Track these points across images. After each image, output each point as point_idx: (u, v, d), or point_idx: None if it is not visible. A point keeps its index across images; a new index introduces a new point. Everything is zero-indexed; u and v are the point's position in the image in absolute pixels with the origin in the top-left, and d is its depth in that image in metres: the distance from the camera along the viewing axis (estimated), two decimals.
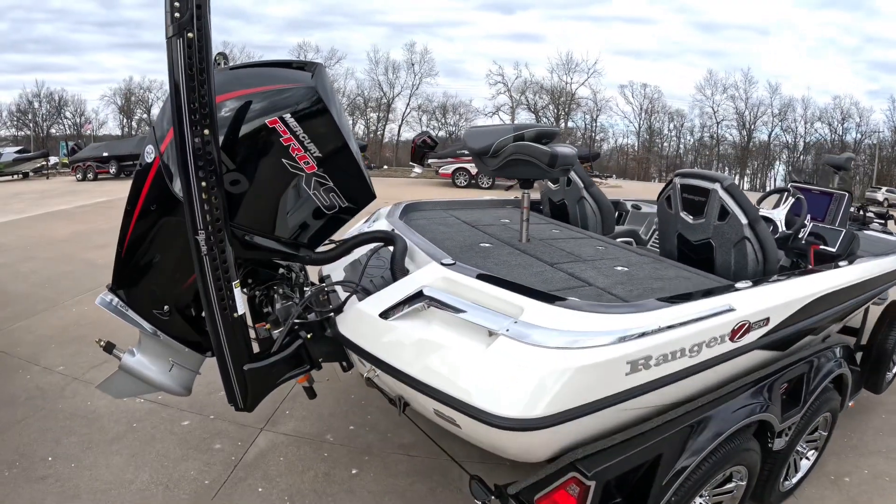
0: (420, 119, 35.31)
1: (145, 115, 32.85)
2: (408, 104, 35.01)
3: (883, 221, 4.41)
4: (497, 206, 3.61)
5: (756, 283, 1.88)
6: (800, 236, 2.82)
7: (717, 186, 2.26)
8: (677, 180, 2.49)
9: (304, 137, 1.57)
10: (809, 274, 2.15)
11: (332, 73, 31.99)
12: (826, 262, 2.60)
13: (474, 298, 1.51)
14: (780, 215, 2.92)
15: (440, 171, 16.19)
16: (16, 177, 18.09)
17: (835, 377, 2.13)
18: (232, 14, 39.27)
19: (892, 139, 29.86)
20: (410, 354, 1.53)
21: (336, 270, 2.15)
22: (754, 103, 32.74)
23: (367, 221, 2.76)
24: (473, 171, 15.30)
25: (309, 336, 1.77)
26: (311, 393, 2.02)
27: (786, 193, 3.00)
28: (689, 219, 2.42)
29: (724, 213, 2.24)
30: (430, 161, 16.11)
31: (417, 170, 16.42)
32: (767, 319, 1.75)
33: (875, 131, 30.15)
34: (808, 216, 2.78)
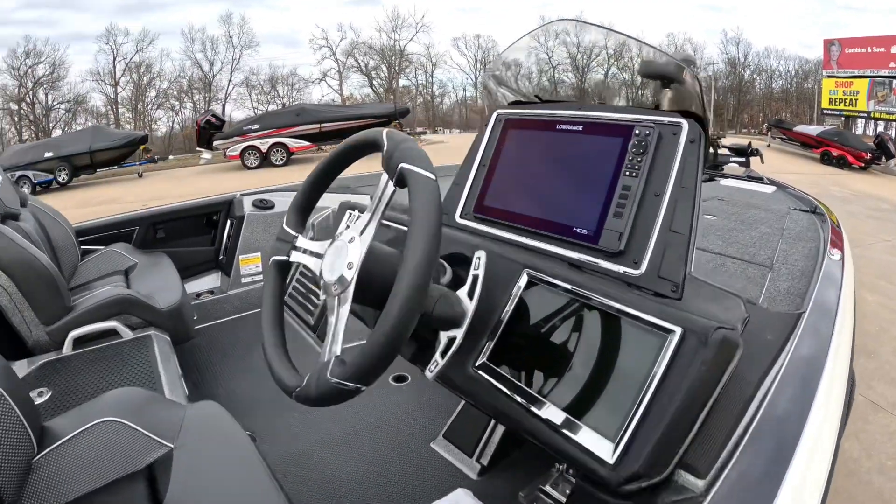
0: (250, 95, 32.73)
1: None
2: (229, 80, 32.16)
3: (744, 160, 2.79)
4: None
5: None
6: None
7: None
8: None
9: None
10: None
11: (147, 57, 27.29)
12: None
13: None
14: None
15: (228, 153, 13.83)
16: None
17: None
18: (60, 4, 32.62)
19: (726, 70, 31.52)
20: None
21: None
22: (587, 46, 35.81)
23: None
24: (264, 148, 13.31)
25: None
26: None
27: None
28: None
29: None
30: (215, 143, 13.79)
31: (206, 155, 14.44)
32: None
33: (710, 63, 31.52)
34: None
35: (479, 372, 0.80)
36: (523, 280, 0.83)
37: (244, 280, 2.43)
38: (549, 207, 0.90)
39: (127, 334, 1.69)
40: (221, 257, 2.48)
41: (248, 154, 13.46)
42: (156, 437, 0.95)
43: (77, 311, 1.72)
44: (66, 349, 1.63)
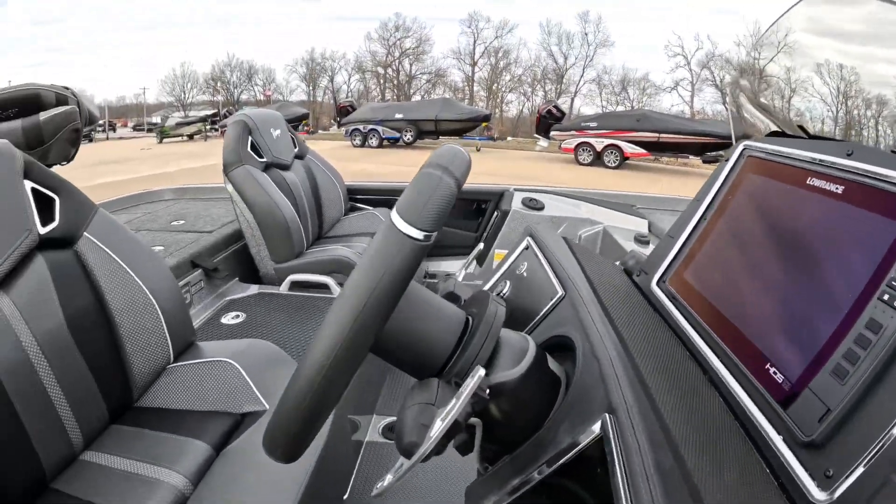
0: (600, 93, 33.40)
1: (329, 84, 35.17)
2: (581, 76, 33.31)
3: None
4: None
5: None
6: None
7: None
8: None
9: None
10: None
11: (505, 43, 30.96)
12: None
13: None
14: None
15: (562, 145, 14.41)
16: (182, 138, 19.18)
17: None
18: None
19: None
20: None
21: None
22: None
23: None
24: (598, 147, 13.39)
25: None
26: None
27: None
28: None
29: None
30: (552, 133, 14.55)
31: (543, 142, 15.78)
32: None
33: None
34: None
35: None
36: (594, 430, 0.43)
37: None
38: (749, 313, 0.52)
39: (336, 292, 1.76)
40: (480, 245, 2.38)
41: (582, 150, 13.70)
42: (258, 394, 1.01)
43: (303, 259, 1.93)
44: (283, 288, 1.84)
